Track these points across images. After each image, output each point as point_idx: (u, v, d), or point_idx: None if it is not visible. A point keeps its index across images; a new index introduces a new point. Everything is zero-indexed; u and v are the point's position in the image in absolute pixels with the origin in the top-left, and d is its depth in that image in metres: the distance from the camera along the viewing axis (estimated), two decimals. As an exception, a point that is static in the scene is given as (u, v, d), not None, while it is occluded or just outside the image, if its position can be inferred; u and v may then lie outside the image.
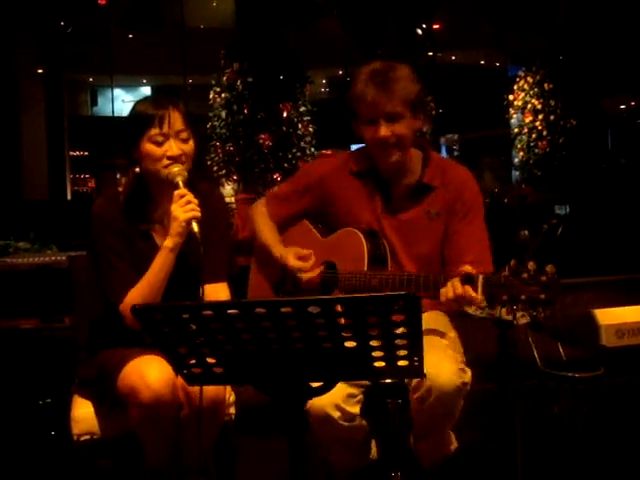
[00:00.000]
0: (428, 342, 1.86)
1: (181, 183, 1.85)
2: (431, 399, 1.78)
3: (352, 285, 1.95)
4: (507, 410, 2.44)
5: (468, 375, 1.85)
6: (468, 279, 1.71)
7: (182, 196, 1.83)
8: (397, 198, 2.03)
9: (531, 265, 1.63)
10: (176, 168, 1.86)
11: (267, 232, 2.14)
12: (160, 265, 1.86)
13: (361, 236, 1.98)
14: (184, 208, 1.82)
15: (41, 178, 12.85)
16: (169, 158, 1.87)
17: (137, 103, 1.95)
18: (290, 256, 2.03)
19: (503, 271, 1.66)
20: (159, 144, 1.88)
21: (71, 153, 15.03)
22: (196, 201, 1.84)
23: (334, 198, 2.08)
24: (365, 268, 1.94)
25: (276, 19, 12.42)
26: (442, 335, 1.96)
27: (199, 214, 1.82)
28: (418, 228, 2.01)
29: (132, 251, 1.92)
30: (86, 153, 16.65)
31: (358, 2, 15.38)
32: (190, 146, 1.92)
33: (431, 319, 2.02)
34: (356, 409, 1.87)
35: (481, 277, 1.70)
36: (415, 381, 1.81)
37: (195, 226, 1.81)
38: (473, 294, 1.70)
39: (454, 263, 1.93)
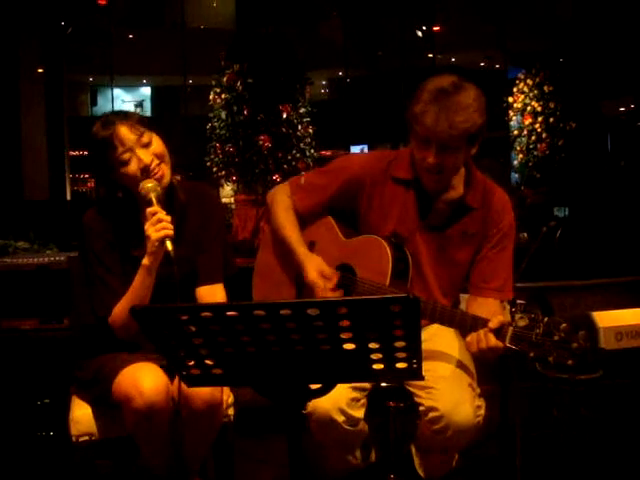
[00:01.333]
0: (447, 370, 1.88)
1: (154, 199, 1.80)
2: (448, 434, 1.79)
3: (369, 295, 1.89)
4: (506, 412, 2.44)
5: (483, 410, 1.85)
6: (496, 330, 1.69)
7: (154, 214, 1.78)
8: (436, 214, 1.96)
9: (564, 328, 1.59)
10: (150, 184, 1.82)
11: (289, 226, 2.02)
12: (140, 282, 1.84)
13: (387, 247, 1.90)
14: (156, 227, 1.77)
15: (41, 178, 12.85)
16: (143, 170, 1.83)
17: (87, 138, 1.90)
18: (312, 268, 1.94)
19: (537, 328, 1.62)
20: (127, 163, 1.84)
21: (71, 153, 15.01)
22: (168, 218, 1.78)
23: (369, 200, 1.99)
24: (387, 282, 1.88)
25: (277, 20, 12.43)
26: (461, 363, 1.93)
27: (171, 232, 1.77)
28: (451, 247, 1.96)
29: (121, 258, 1.91)
30: (85, 153, 16.64)
31: (359, 4, 15.39)
32: (156, 146, 1.87)
33: (444, 335, 1.99)
34: (360, 413, 1.86)
35: (510, 330, 1.66)
36: (432, 414, 1.79)
37: (169, 245, 1.76)
38: (498, 345, 1.68)
39: (479, 287, 1.93)
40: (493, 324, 1.69)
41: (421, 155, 1.86)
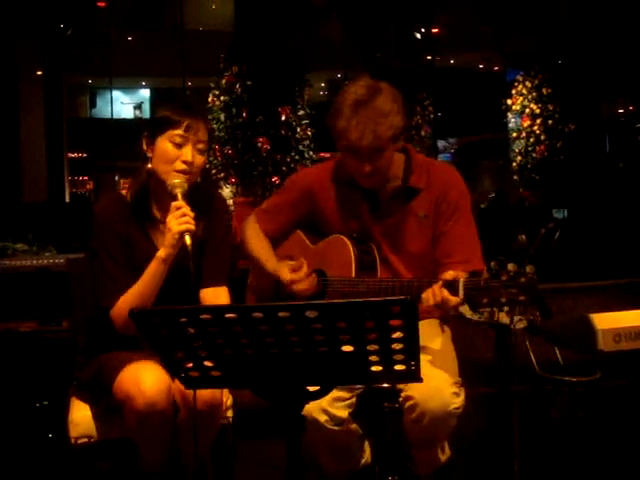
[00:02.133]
0: (423, 362, 1.87)
1: (180, 195, 1.84)
2: (424, 422, 1.80)
3: (341, 292, 1.94)
4: (504, 414, 2.44)
5: (461, 398, 1.85)
6: (448, 284, 1.72)
7: (178, 208, 1.82)
8: (384, 203, 2.02)
9: (511, 267, 1.62)
10: (177, 180, 1.86)
11: (258, 248, 2.12)
12: (152, 274, 1.85)
13: (348, 242, 1.98)
14: (179, 220, 1.80)
15: (40, 180, 12.85)
16: (183, 162, 1.87)
17: (165, 105, 1.95)
18: (283, 270, 2.01)
19: (483, 274, 1.65)
20: (177, 145, 1.88)
21: (69, 155, 15.03)
22: (192, 214, 1.82)
23: (322, 207, 2.07)
24: (353, 274, 1.93)
25: (275, 22, 12.45)
26: (439, 353, 1.95)
27: (193, 227, 1.80)
28: (407, 231, 2.00)
29: (130, 254, 1.91)
30: (84, 155, 16.66)
31: (357, 5, 15.41)
32: (202, 159, 1.92)
33: (423, 330, 2.01)
34: (344, 413, 1.87)
35: (461, 281, 1.69)
36: (408, 403, 1.81)
37: (188, 239, 1.79)
38: (452, 298, 1.70)
39: (442, 264, 1.93)
40: (445, 277, 1.73)
41: (354, 165, 1.92)
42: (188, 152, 1.87)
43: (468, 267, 1.80)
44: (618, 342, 2.56)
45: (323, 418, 1.84)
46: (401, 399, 1.84)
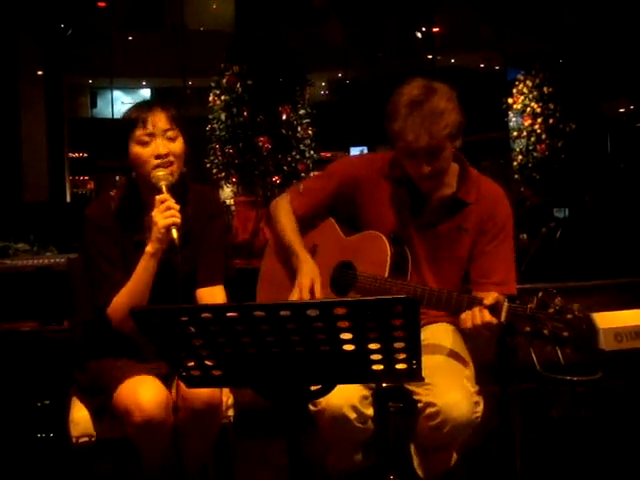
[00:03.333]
0: (445, 367, 1.88)
1: (164, 188, 1.82)
2: (445, 429, 1.79)
3: (369, 289, 1.91)
4: (506, 413, 2.44)
5: (480, 407, 1.86)
6: (491, 307, 1.71)
7: (163, 201, 1.80)
8: (429, 211, 1.98)
9: (558, 301, 1.61)
10: (161, 172, 1.84)
11: (291, 232, 2.07)
12: (142, 271, 1.84)
13: (386, 241, 1.94)
14: (164, 214, 1.79)
15: (41, 180, 12.86)
16: (157, 157, 1.85)
17: (127, 110, 1.95)
18: (307, 274, 1.97)
19: (530, 302, 1.64)
20: (145, 144, 1.86)
21: (70, 155, 15.03)
22: (177, 207, 1.81)
23: (364, 199, 2.03)
24: (386, 274, 1.90)
25: (276, 22, 12.44)
26: (459, 358, 1.94)
27: (179, 220, 1.79)
28: (445, 242, 1.97)
29: (123, 253, 1.91)
30: (85, 154, 16.67)
31: (358, 5, 15.40)
32: (178, 145, 1.89)
33: (443, 334, 2.00)
34: (370, 411, 1.87)
35: (506, 305, 1.68)
36: (429, 410, 1.79)
37: (174, 232, 1.78)
38: (494, 321, 1.70)
39: (478, 283, 1.93)
40: (488, 300, 1.72)
41: (413, 168, 1.89)
42: (157, 146, 1.85)
43: (503, 289, 1.81)
44: (619, 341, 2.55)
45: (353, 416, 1.82)
46: (421, 404, 1.82)
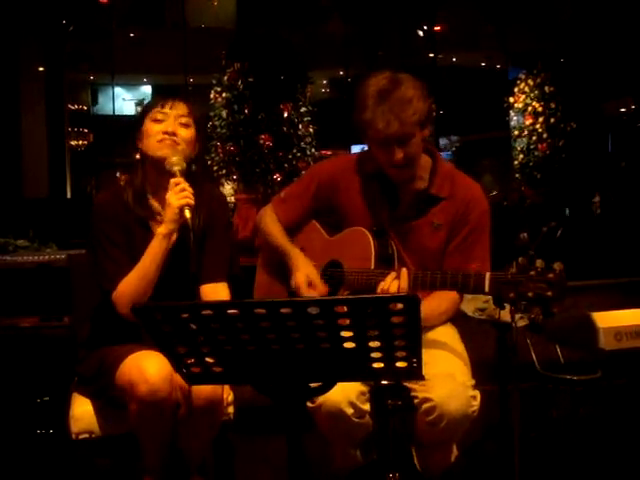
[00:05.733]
0: (440, 362, 1.90)
1: (178, 173, 1.87)
2: (442, 424, 1.80)
3: (358, 283, 1.94)
4: (505, 412, 2.44)
5: (477, 401, 1.86)
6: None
7: (177, 184, 1.85)
8: (403, 206, 2.02)
9: (539, 263, 1.63)
10: (174, 158, 1.88)
11: (279, 235, 2.12)
12: (153, 253, 1.87)
13: (369, 235, 1.98)
14: (178, 195, 1.84)
15: (41, 176, 12.85)
16: (164, 133, 1.91)
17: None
18: (302, 272, 2.00)
19: (511, 268, 1.66)
20: (158, 122, 1.93)
21: (71, 142, 15.04)
22: (191, 190, 1.85)
23: (342, 199, 2.07)
24: (372, 267, 1.94)
25: (277, 19, 12.43)
26: (455, 353, 1.96)
27: (192, 202, 1.84)
28: (420, 237, 2.00)
29: (130, 242, 1.93)
30: (85, 142, 16.68)
31: (360, 3, 15.38)
32: (189, 133, 1.95)
33: (438, 329, 2.03)
34: (367, 406, 1.88)
35: (488, 274, 1.71)
36: (426, 405, 1.81)
37: (188, 213, 1.82)
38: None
39: None
40: (469, 271, 1.76)
41: (385, 156, 1.92)
42: (169, 124, 1.92)
43: None
44: (619, 340, 2.56)
45: (350, 411, 1.84)
46: (417, 400, 1.84)
